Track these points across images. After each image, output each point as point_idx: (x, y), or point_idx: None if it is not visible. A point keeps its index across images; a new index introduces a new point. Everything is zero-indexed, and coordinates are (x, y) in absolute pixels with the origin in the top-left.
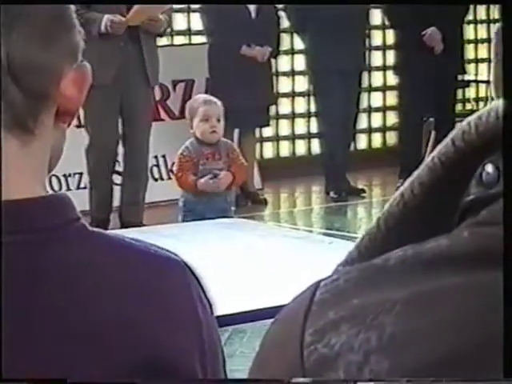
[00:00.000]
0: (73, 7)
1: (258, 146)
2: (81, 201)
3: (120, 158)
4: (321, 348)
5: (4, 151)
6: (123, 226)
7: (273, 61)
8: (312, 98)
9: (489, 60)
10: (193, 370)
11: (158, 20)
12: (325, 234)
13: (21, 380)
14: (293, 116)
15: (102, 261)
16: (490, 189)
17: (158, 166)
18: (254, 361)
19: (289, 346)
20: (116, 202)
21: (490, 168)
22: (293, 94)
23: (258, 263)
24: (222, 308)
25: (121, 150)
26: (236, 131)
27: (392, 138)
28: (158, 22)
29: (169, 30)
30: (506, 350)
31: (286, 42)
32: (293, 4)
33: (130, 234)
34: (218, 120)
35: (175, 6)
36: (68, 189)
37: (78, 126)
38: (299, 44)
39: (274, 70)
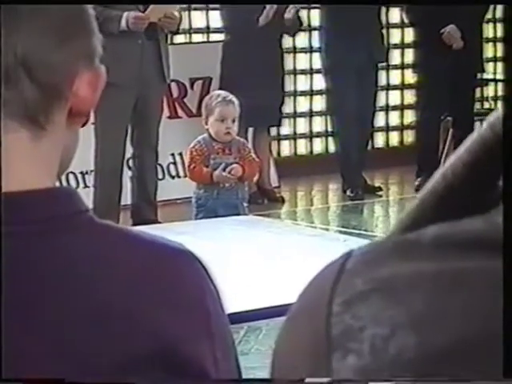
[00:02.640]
0: (93, 12)
1: (275, 143)
2: None
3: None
4: (348, 319)
5: (13, 141)
6: (135, 223)
7: (289, 60)
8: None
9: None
10: (202, 358)
11: (174, 17)
12: (341, 232)
13: (19, 380)
14: (310, 114)
15: (109, 250)
16: None
17: (174, 163)
18: (281, 330)
19: (316, 316)
20: (128, 200)
21: None
22: (311, 93)
23: (273, 260)
24: (237, 305)
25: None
26: (250, 130)
27: (409, 136)
28: (173, 20)
29: (187, 27)
30: (506, 350)
31: (303, 40)
32: (296, 4)
33: (144, 230)
34: (234, 121)
35: (193, 6)
36: (85, 186)
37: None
38: (316, 42)
39: (291, 67)
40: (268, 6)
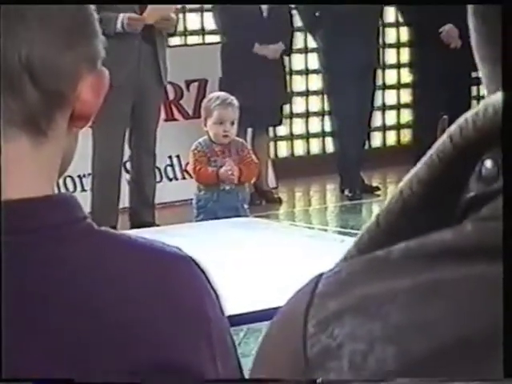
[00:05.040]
0: (96, 14)
1: (272, 144)
2: None
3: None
4: (324, 339)
5: (14, 149)
6: (134, 226)
7: (286, 59)
8: (325, 97)
9: None
10: (202, 366)
11: (171, 19)
12: (339, 233)
13: (27, 380)
14: (307, 114)
15: (108, 258)
16: (490, 184)
17: (172, 165)
18: (257, 353)
19: (291, 338)
20: (125, 203)
21: (489, 164)
22: (307, 93)
23: (272, 262)
24: (236, 307)
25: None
26: (249, 130)
27: (406, 135)
28: (170, 21)
29: (182, 29)
30: (506, 350)
31: (299, 40)
32: (298, 4)
33: (142, 234)
34: (232, 123)
35: (188, 6)
36: (83, 189)
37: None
38: (312, 42)
39: (287, 68)
40: (276, 47)
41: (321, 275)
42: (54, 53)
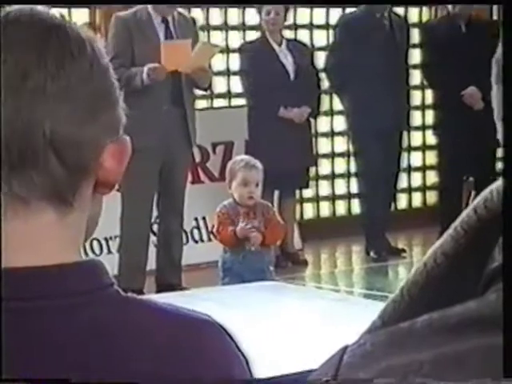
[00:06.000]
0: (116, 82)
1: (298, 206)
2: None
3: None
4: None
5: (41, 220)
6: (160, 288)
7: (312, 121)
8: (351, 159)
9: None
10: None
11: (207, 71)
12: (365, 295)
13: (20, 380)
14: (333, 176)
15: (135, 325)
16: None
17: (198, 228)
18: None
19: None
20: (152, 265)
21: None
22: (332, 155)
23: (297, 327)
24: (261, 372)
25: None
26: (276, 192)
27: (432, 197)
28: (206, 73)
29: (209, 92)
30: (506, 350)
31: (325, 102)
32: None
33: (169, 297)
34: (257, 185)
35: (215, 69)
36: (109, 252)
37: (119, 190)
38: (338, 105)
39: (313, 131)
40: (302, 111)
41: (346, 347)
42: (77, 126)
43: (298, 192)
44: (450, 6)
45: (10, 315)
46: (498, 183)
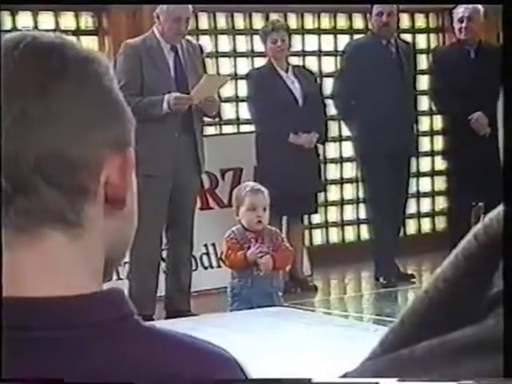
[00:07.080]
0: (115, 97)
1: (307, 232)
2: None
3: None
4: None
5: (50, 246)
6: (169, 314)
7: (320, 148)
8: (360, 184)
9: None
10: None
11: (214, 100)
12: (375, 320)
13: (20, 380)
14: (341, 202)
15: (156, 356)
16: None
17: (207, 254)
18: None
19: None
20: (162, 291)
21: None
22: (341, 181)
23: (304, 353)
24: None
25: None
26: (284, 218)
27: (441, 222)
28: (214, 102)
29: (217, 119)
30: (506, 350)
31: (333, 129)
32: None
33: (178, 323)
34: (264, 209)
35: (223, 96)
36: (118, 278)
37: None
38: (345, 131)
39: (321, 157)
40: (311, 137)
41: (345, 375)
42: (64, 147)
43: (306, 218)
44: (458, 32)
45: (27, 345)
46: (497, 210)
